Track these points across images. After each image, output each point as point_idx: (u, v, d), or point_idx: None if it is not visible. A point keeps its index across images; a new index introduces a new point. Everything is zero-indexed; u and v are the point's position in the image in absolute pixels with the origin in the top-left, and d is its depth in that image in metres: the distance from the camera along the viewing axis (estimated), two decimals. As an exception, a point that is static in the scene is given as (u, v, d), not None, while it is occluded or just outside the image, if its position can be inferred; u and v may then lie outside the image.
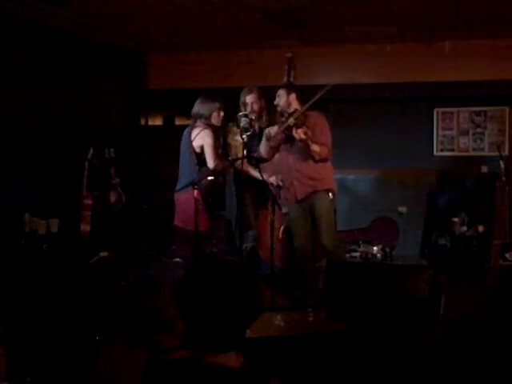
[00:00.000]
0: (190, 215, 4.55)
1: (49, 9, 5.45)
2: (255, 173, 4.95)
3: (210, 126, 4.85)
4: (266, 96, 5.19)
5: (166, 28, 6.29)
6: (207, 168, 4.78)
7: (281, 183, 5.03)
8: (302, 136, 4.61)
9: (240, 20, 5.84)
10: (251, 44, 6.92)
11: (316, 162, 4.81)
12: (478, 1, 5.20)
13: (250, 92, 5.15)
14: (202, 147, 4.81)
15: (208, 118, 4.86)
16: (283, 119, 4.73)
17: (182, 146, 4.97)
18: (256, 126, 5.09)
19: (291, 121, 4.62)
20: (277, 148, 4.93)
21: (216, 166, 4.76)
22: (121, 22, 6.02)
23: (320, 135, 4.78)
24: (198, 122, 4.88)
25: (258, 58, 7.07)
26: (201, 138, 4.80)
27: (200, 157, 4.82)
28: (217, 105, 4.87)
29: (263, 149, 4.91)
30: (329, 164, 4.95)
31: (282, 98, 4.84)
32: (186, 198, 4.69)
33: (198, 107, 4.90)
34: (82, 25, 6.07)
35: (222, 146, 5.07)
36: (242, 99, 5.14)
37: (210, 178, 4.68)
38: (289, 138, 4.81)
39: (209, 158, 4.77)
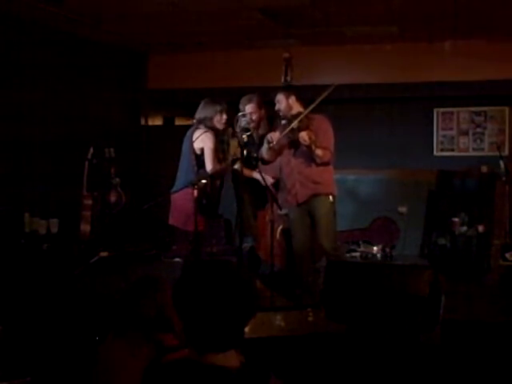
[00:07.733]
0: (187, 215, 4.55)
1: (49, 9, 5.45)
2: (255, 174, 4.94)
3: (212, 129, 4.84)
4: (266, 100, 5.13)
5: (166, 28, 6.29)
6: (205, 170, 4.78)
7: (271, 181, 4.97)
8: (306, 140, 4.59)
9: (240, 20, 5.84)
10: (251, 44, 6.92)
11: (318, 165, 4.80)
12: (478, 1, 5.21)
13: (250, 101, 5.08)
14: (202, 149, 4.81)
15: (210, 120, 4.85)
16: (285, 122, 4.70)
17: (184, 147, 4.97)
18: (255, 135, 5.07)
19: (295, 123, 4.59)
20: (279, 152, 4.90)
21: (214, 169, 4.76)
22: (121, 22, 6.02)
23: (324, 139, 4.75)
24: (201, 125, 4.87)
25: (257, 58, 7.07)
26: (202, 141, 4.79)
27: (199, 158, 4.82)
28: (218, 107, 4.86)
29: (265, 153, 4.87)
30: (330, 167, 4.94)
31: (282, 103, 4.80)
32: (182, 198, 4.68)
33: (201, 111, 4.89)
34: (82, 25, 6.07)
35: (222, 149, 5.04)
36: (241, 107, 5.06)
37: (203, 181, 4.66)
38: (293, 144, 4.79)
39: (208, 161, 4.77)
